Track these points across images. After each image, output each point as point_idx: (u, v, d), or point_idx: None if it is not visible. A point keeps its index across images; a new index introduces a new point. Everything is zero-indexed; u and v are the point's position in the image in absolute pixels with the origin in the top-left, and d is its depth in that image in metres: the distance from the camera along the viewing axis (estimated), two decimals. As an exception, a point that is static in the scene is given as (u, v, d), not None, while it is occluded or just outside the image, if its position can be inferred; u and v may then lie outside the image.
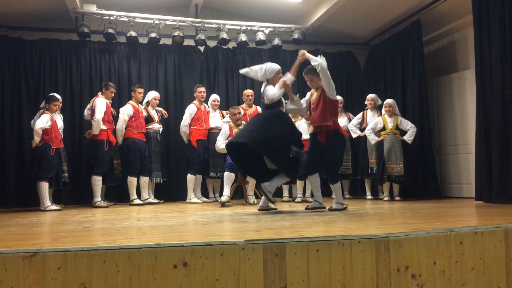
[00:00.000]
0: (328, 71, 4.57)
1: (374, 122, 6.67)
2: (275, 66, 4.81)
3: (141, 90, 6.79)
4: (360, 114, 7.17)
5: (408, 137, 6.47)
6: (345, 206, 4.71)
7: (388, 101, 6.66)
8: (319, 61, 4.50)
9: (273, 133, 4.42)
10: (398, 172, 6.35)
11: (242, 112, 6.51)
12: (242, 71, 5.01)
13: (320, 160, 4.67)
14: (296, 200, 6.65)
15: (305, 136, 6.44)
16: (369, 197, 6.99)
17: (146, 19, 7.45)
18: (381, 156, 6.48)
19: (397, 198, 6.49)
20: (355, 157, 7.15)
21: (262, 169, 4.70)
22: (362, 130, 7.00)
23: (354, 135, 6.99)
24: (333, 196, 5.04)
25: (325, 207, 4.73)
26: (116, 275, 2.17)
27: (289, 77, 4.77)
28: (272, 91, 4.62)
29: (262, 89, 4.81)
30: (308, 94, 4.91)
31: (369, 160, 6.84)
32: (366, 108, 7.16)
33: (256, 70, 4.82)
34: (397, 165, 6.36)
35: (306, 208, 4.77)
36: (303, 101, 4.85)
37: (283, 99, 4.78)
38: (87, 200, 6.58)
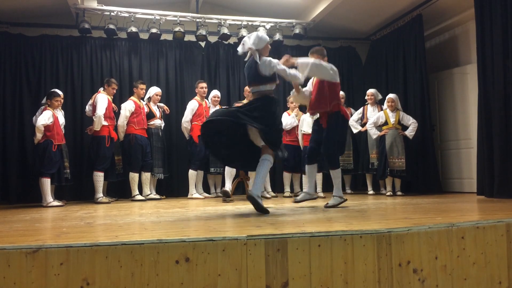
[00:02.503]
0: (318, 65, 4.28)
1: (376, 116, 6.66)
2: (266, 36, 4.32)
3: (143, 86, 6.79)
4: (361, 109, 7.16)
5: (410, 132, 6.46)
6: (344, 199, 4.50)
7: (391, 96, 6.65)
8: (300, 72, 4.22)
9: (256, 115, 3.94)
10: (400, 167, 6.35)
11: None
12: (239, 50, 4.46)
13: (319, 148, 4.51)
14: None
15: (310, 130, 6.44)
16: (370, 192, 7.00)
17: (147, 15, 7.45)
18: (383, 151, 6.47)
19: (399, 193, 6.49)
20: (356, 152, 7.15)
21: (243, 155, 4.19)
22: (362, 125, 7.00)
23: (355, 131, 6.98)
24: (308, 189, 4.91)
25: (315, 198, 4.68)
26: (119, 270, 2.18)
27: (302, 78, 4.31)
28: (287, 69, 4.12)
29: (248, 59, 4.29)
30: (311, 80, 4.76)
31: (369, 155, 6.84)
32: (366, 103, 7.16)
33: (245, 41, 4.26)
34: (399, 160, 6.36)
35: (295, 201, 4.74)
36: (305, 89, 4.74)
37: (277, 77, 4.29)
38: (89, 196, 6.60)
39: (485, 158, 5.50)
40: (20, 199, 6.71)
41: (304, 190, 4.65)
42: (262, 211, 3.91)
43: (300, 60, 4.30)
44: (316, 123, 4.68)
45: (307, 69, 4.27)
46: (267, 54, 4.27)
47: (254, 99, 4.17)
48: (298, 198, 4.74)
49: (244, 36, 7.58)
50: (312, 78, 4.74)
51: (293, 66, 4.31)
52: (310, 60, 4.34)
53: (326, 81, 4.44)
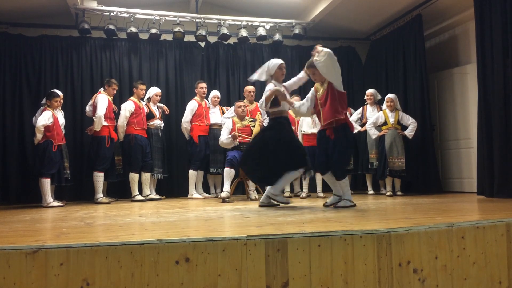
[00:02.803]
0: (333, 57, 4.32)
1: (375, 116, 6.66)
2: (277, 61, 4.73)
3: (143, 86, 6.79)
4: (360, 110, 7.15)
5: (409, 132, 6.46)
6: (353, 203, 4.45)
7: (390, 96, 6.65)
8: (320, 59, 4.30)
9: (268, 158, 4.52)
10: (400, 167, 6.35)
11: (244, 108, 6.52)
12: (251, 78, 4.89)
13: (328, 159, 4.45)
14: (301, 195, 6.65)
15: (310, 130, 6.43)
16: (370, 192, 7.00)
17: (147, 15, 7.45)
18: (382, 151, 6.47)
19: (399, 193, 6.48)
20: (356, 152, 7.14)
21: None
22: (362, 125, 6.99)
23: (354, 131, 6.96)
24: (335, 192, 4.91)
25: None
26: (119, 271, 2.18)
27: (272, 86, 4.56)
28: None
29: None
30: (312, 90, 4.69)
31: (369, 155, 6.83)
32: (365, 103, 7.15)
33: (260, 72, 4.75)
34: (399, 160, 6.35)
35: (324, 205, 4.58)
36: (306, 99, 4.68)
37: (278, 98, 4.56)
38: (89, 196, 6.60)
39: (485, 158, 5.50)
40: (20, 199, 6.71)
41: (333, 193, 4.64)
42: (282, 202, 4.69)
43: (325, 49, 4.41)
44: (320, 133, 4.63)
45: (322, 54, 4.31)
46: (281, 76, 4.76)
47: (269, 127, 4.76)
48: (328, 201, 4.64)
49: (243, 36, 7.67)
50: (311, 93, 4.67)
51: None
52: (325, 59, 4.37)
53: (336, 91, 4.42)
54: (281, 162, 4.51)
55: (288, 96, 4.69)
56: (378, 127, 6.63)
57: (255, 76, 4.80)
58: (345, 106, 4.54)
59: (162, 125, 7.04)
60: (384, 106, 6.68)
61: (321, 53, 4.33)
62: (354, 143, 4.78)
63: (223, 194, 5.76)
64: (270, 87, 4.59)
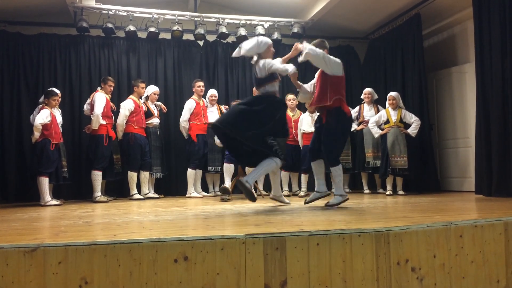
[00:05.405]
0: (317, 53, 4.22)
1: (378, 115, 6.63)
2: (268, 39, 4.52)
3: (144, 85, 6.79)
4: (357, 108, 7.14)
5: (412, 130, 6.44)
6: (346, 197, 4.38)
7: (392, 94, 6.63)
8: (305, 53, 4.23)
9: (251, 121, 4.13)
10: (402, 165, 6.32)
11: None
12: (234, 54, 4.53)
13: (319, 145, 4.36)
14: (299, 194, 6.65)
15: (310, 129, 6.42)
16: (366, 191, 6.99)
17: (145, 14, 7.44)
18: (384, 149, 6.44)
19: (401, 192, 6.42)
20: (354, 150, 7.14)
21: (250, 154, 4.40)
22: (358, 124, 6.99)
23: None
24: (333, 190, 4.86)
25: (329, 193, 4.47)
26: (117, 269, 2.18)
27: (293, 67, 4.33)
28: (277, 65, 4.26)
29: (254, 62, 4.46)
30: (316, 74, 4.62)
31: (365, 154, 6.82)
32: (362, 102, 7.15)
33: (249, 48, 4.36)
34: (401, 158, 6.33)
35: (305, 202, 4.59)
36: (309, 85, 4.64)
37: (277, 74, 4.42)
38: (87, 195, 6.58)
39: (483, 157, 5.51)
40: (18, 198, 6.70)
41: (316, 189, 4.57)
42: (250, 196, 4.12)
43: (305, 43, 4.34)
44: (317, 121, 4.55)
45: (305, 51, 4.26)
46: (270, 57, 4.42)
47: (258, 100, 4.33)
48: (308, 198, 4.59)
49: (242, 35, 7.65)
50: (317, 73, 4.64)
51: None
52: (308, 45, 4.31)
53: (328, 75, 4.32)
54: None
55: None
56: (380, 126, 6.61)
57: (241, 51, 4.40)
58: (339, 91, 4.35)
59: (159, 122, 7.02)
60: (387, 105, 6.66)
61: (305, 55, 4.24)
62: (349, 126, 4.59)
63: (225, 185, 5.73)
64: (277, 61, 4.33)
